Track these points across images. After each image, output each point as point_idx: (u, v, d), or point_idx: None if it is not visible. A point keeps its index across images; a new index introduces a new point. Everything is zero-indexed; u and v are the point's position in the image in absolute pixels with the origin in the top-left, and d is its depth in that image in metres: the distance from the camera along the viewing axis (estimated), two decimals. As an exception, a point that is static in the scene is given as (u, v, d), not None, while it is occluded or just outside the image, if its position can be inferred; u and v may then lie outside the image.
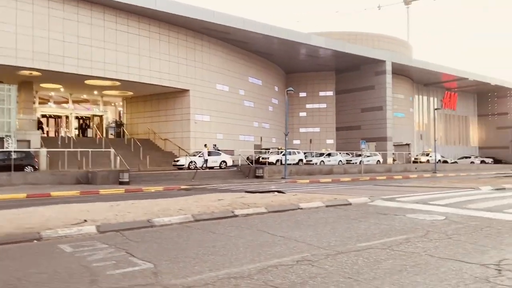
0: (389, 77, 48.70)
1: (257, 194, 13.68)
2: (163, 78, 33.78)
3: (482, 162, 60.45)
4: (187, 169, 29.33)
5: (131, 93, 38.68)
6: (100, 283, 4.93)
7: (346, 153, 45.04)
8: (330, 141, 54.02)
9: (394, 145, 54.32)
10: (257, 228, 8.22)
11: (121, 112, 42.15)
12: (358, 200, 12.39)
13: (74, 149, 28.35)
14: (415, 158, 50.58)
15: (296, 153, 37.26)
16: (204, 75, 37.45)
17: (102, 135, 39.42)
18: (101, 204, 11.28)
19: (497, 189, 16.86)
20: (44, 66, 27.72)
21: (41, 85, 33.49)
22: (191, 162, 30.04)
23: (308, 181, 26.32)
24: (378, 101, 49.33)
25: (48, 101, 40.40)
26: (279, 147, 39.50)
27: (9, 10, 26.38)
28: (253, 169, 28.34)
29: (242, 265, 5.57)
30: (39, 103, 37.82)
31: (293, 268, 5.42)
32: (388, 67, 48.62)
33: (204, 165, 29.87)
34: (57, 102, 40.79)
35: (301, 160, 37.00)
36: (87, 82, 32.33)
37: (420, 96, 64.95)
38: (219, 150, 35.59)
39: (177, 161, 30.18)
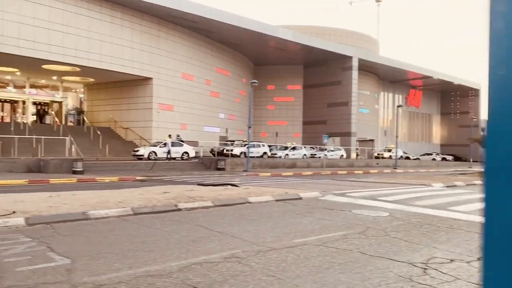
0: (355, 73, 49.23)
1: (209, 187, 13.44)
2: (124, 65, 32.82)
3: (443, 159, 62.26)
4: (146, 160, 28.73)
5: (92, 79, 37.46)
6: (4, 280, 4.58)
7: (311, 147, 45.34)
8: (297, 135, 54.22)
9: (358, 141, 55.12)
10: (197, 223, 7.99)
11: (82, 99, 40.82)
12: (309, 195, 12.35)
13: (29, 136, 27.24)
14: (378, 154, 51.53)
15: (261, 145, 37.17)
16: (169, 64, 36.68)
17: (61, 122, 38.06)
18: (40, 195, 10.76)
19: (448, 186, 17.25)
20: (8, 50, 26.33)
21: (-5, 67, 31.95)
22: (151, 152, 29.43)
23: (269, 174, 26.25)
24: (344, 96, 49.82)
25: (8, 85, 38.69)
26: (244, 140, 39.26)
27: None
28: (214, 161, 28.02)
29: (166, 262, 5.33)
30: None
31: (218, 265, 5.22)
32: (355, 63, 49.13)
33: (168, 156, 29.33)
34: (17, 87, 39.09)
35: (265, 153, 36.95)
36: (45, 67, 31.03)
37: (386, 93, 66.07)
38: (182, 141, 35.06)
39: (137, 151, 29.50)
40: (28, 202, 9.37)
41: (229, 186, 13.83)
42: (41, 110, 37.16)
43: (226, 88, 44.70)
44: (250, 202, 10.69)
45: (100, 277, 4.67)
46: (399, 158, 48.28)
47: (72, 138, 25.21)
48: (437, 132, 76.10)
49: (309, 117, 53.76)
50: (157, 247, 6.10)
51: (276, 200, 11.28)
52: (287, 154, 39.01)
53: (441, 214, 9.72)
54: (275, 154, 38.75)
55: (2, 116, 36.35)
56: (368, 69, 56.66)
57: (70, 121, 38.23)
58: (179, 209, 9.26)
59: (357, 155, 52.53)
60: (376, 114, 62.67)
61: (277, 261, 5.46)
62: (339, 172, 30.36)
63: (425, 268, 5.29)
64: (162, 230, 7.30)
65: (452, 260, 5.67)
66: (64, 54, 29.02)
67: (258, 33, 40.27)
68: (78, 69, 32.09)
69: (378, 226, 8.05)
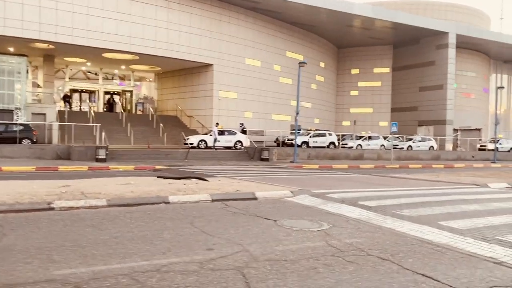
0: (452, 52, 42.35)
1: (168, 180, 11.23)
2: (182, 51, 31.93)
3: None
4: (197, 148, 27.56)
5: (159, 68, 37.56)
6: None
7: (396, 137, 40.23)
8: (383, 123, 48.94)
9: (460, 130, 47.89)
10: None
11: (154, 88, 41.40)
12: (271, 194, 9.48)
13: (84, 124, 27.77)
14: (481, 145, 43.97)
15: (327, 135, 33.61)
16: (231, 49, 35.01)
17: (131, 110, 39.03)
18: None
19: (516, 188, 12.67)
20: (62, 39, 27.10)
21: (66, 59, 33.45)
22: (201, 141, 28.16)
23: (317, 166, 23.08)
24: (439, 79, 43.29)
25: (87, 76, 40.92)
26: (311, 128, 36.09)
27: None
28: (258, 151, 25.62)
29: None
30: (70, 77, 38.13)
31: None
32: (452, 40, 42.24)
33: (215, 145, 27.82)
34: (93, 78, 41.13)
35: (332, 143, 33.29)
36: (105, 55, 31.55)
37: (500, 75, 56.63)
38: (245, 130, 33.31)
39: (187, 139, 28.43)
40: None
41: (198, 179, 11.46)
42: (111, 99, 38.37)
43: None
44: (169, 202, 8.28)
45: None
46: (508, 151, 40.88)
47: (98, 125, 24.87)
48: None
49: (398, 103, 48.05)
50: None
51: (213, 201, 8.68)
52: (359, 145, 34.86)
53: (403, 232, 6.29)
54: (346, 144, 34.91)
55: (80, 105, 38.32)
56: (474, 47, 48.81)
57: (139, 110, 38.94)
58: (52, 208, 7.27)
59: (457, 146, 45.60)
60: (485, 99, 54.00)
61: None
62: (410, 166, 25.79)
63: None
64: None
65: None
66: (116, 42, 28.98)
67: (332, 11, 36.51)
68: (137, 57, 32.10)
69: (268, 251, 5.11)
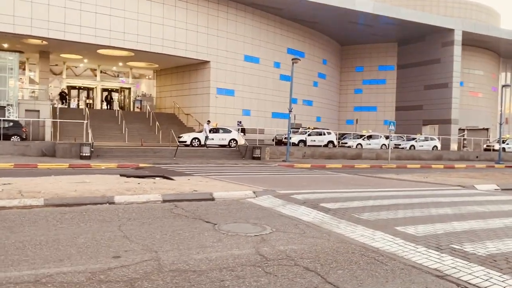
0: (457, 49, 41.21)
1: (125, 178, 10.69)
2: (177, 48, 31.44)
3: None
4: (190, 146, 27.09)
5: (156, 65, 37.15)
6: None
7: (399, 136, 39.33)
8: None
9: (467, 130, 46.75)
10: None
11: (153, 85, 41.00)
12: (232, 195, 8.88)
13: (72, 120, 27.44)
14: (487, 146, 42.75)
15: (326, 133, 32.88)
16: (229, 46, 34.43)
17: (128, 108, 38.70)
18: None
19: (505, 189, 11.89)
20: (54, 35, 26.74)
21: (62, 55, 33.19)
22: (194, 139, 27.68)
23: (309, 165, 22.36)
24: (444, 77, 42.20)
25: (83, 72, 40.63)
26: (309, 126, 35.37)
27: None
28: (250, 149, 24.99)
29: None
30: (68, 74, 37.87)
31: None
32: (457, 37, 41.11)
33: (206, 142, 27.31)
34: (89, 75, 40.82)
35: (331, 142, 32.57)
36: (100, 51, 31.21)
37: (509, 73, 55.20)
38: (243, 128, 32.77)
39: (181, 137, 27.95)
40: None
41: (161, 178, 10.91)
42: (108, 97, 38.05)
43: (300, 70, 40.73)
44: (113, 203, 7.73)
45: None
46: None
47: (85, 122, 24.45)
48: None
49: (403, 101, 47.00)
50: None
51: (164, 201, 8.11)
52: (359, 144, 34.06)
53: (384, 246, 5.63)
54: (346, 143, 34.16)
55: (78, 102, 38.02)
56: (482, 44, 47.56)
57: (137, 107, 38.58)
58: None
59: (463, 146, 44.51)
60: (494, 98, 52.65)
61: None
62: (409, 166, 24.94)
63: None
64: None
65: None
66: (111, 38, 28.60)
67: (333, 7, 35.68)
68: (132, 53, 31.71)
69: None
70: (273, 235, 5.89)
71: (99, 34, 28.17)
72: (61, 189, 8.28)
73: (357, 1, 36.06)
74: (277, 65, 38.35)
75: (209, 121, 29.12)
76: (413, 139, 37.74)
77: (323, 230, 6.30)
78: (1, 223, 6.01)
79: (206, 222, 6.53)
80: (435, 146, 37.61)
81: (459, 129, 44.01)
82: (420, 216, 7.40)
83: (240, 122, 33.95)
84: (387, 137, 36.10)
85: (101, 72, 38.50)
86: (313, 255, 4.99)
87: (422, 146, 36.98)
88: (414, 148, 36.20)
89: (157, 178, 10.83)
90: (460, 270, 4.56)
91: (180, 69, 36.56)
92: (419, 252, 5.24)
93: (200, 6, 32.62)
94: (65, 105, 34.19)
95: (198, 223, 6.48)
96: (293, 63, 24.55)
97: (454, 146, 41.41)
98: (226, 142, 28.52)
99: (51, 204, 7.29)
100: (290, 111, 24.60)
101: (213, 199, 8.56)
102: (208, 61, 33.37)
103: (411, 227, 6.43)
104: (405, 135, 38.55)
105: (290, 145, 26.44)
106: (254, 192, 9.14)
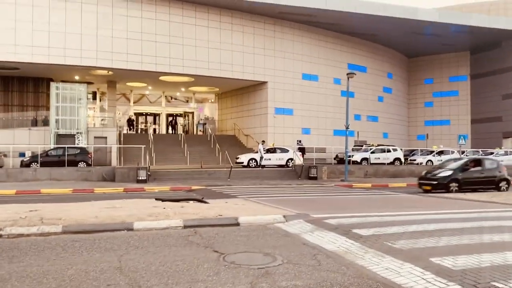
0: (540, 53, 37.48)
1: (166, 202, 10.48)
2: (235, 70, 31.78)
3: None
4: (247, 167, 26.92)
5: (217, 89, 37.84)
6: None
7: (475, 151, 36.16)
8: (463, 136, 44.40)
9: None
10: None
11: (215, 108, 41.78)
12: (259, 219, 8.30)
13: (137, 146, 28.44)
14: None
15: (391, 150, 31.08)
16: (286, 65, 34.17)
17: (192, 131, 39.60)
18: None
19: None
20: (118, 65, 28.36)
21: (128, 84, 34.96)
22: (251, 159, 27.46)
23: (370, 185, 21.09)
24: (525, 84, 38.47)
25: (149, 100, 42.49)
26: (373, 143, 33.69)
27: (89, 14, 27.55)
28: (306, 168, 24.14)
29: None
30: (135, 102, 39.79)
31: None
32: (539, 40, 37.46)
33: (261, 163, 26.94)
34: (157, 102, 42.60)
35: (397, 159, 30.68)
36: (162, 78, 32.39)
37: None
38: (302, 148, 32.04)
39: (238, 158, 27.89)
40: None
41: (196, 201, 10.59)
42: (172, 121, 39.29)
43: (363, 86, 39.38)
44: (132, 229, 7.49)
45: None
46: None
47: (143, 147, 24.98)
48: None
49: (479, 113, 43.45)
50: None
51: (185, 227, 7.74)
52: (430, 161, 31.72)
53: (408, 283, 4.79)
54: (414, 160, 32.02)
55: (145, 128, 39.68)
56: None
57: (200, 130, 39.39)
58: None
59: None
60: None
61: None
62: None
63: None
64: None
65: None
66: (170, 64, 29.60)
67: (394, 19, 34.20)
68: (192, 79, 32.55)
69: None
70: (280, 267, 5.22)
71: (159, 62, 29.30)
72: (84, 215, 8.24)
73: (420, 10, 34.23)
74: (337, 81, 37.31)
75: (263, 141, 28.83)
76: (491, 153, 34.46)
77: (343, 262, 5.52)
78: (7, 252, 5.96)
79: (214, 251, 6.01)
80: (517, 160, 33.99)
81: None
82: (466, 244, 6.30)
83: (300, 141, 33.28)
84: (462, 152, 33.36)
85: (166, 98, 40.03)
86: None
87: (503, 161, 33.56)
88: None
89: (190, 202, 10.56)
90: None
91: (239, 91, 36.91)
92: (447, 292, 4.31)
93: (256, 28, 32.85)
94: (133, 130, 35.79)
95: (205, 252, 5.99)
96: (348, 78, 23.57)
97: (541, 160, 37.15)
98: (283, 162, 27.94)
99: (68, 231, 7.21)
100: (347, 127, 23.48)
101: (237, 224, 8.04)
102: (266, 82, 33.32)
103: (449, 258, 5.42)
104: (482, 149, 35.34)
105: (348, 163, 25.26)
106: (284, 216, 8.48)
